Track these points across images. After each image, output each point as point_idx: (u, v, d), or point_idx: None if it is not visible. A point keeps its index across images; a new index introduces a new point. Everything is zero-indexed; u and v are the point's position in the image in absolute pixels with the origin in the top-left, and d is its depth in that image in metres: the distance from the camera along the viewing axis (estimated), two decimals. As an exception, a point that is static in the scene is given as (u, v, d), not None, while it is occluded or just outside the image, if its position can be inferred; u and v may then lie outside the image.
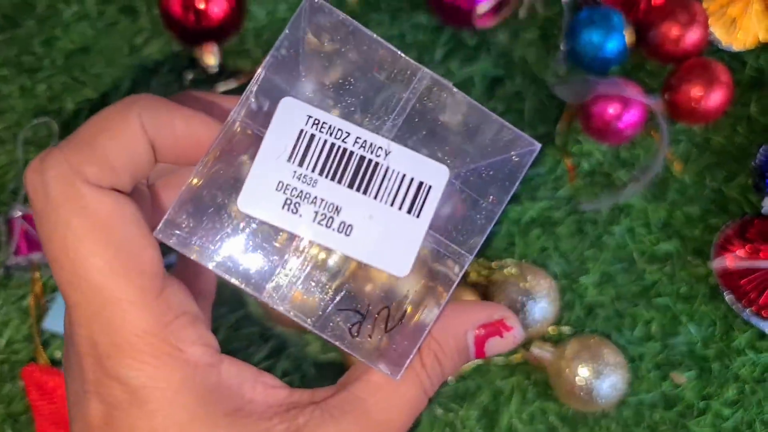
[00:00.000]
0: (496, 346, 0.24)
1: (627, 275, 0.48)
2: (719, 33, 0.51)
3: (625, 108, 0.47)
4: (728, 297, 0.46)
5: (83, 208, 0.20)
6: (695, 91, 0.48)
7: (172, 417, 0.20)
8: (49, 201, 0.21)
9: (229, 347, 0.44)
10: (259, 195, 0.25)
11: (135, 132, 0.22)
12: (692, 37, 0.49)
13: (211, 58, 0.51)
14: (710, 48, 0.52)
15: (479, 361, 0.46)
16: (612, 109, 0.47)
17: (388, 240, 0.25)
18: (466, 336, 0.23)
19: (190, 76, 0.51)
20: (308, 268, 0.25)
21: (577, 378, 0.42)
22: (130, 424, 0.20)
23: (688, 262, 0.48)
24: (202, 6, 0.49)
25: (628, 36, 0.49)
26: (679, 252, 0.48)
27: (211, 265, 0.24)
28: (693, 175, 0.50)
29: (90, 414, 0.20)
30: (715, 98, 0.48)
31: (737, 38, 0.51)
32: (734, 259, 0.46)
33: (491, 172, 0.26)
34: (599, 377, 0.42)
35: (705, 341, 0.47)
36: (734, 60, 0.52)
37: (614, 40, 0.49)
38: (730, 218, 0.49)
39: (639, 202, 0.49)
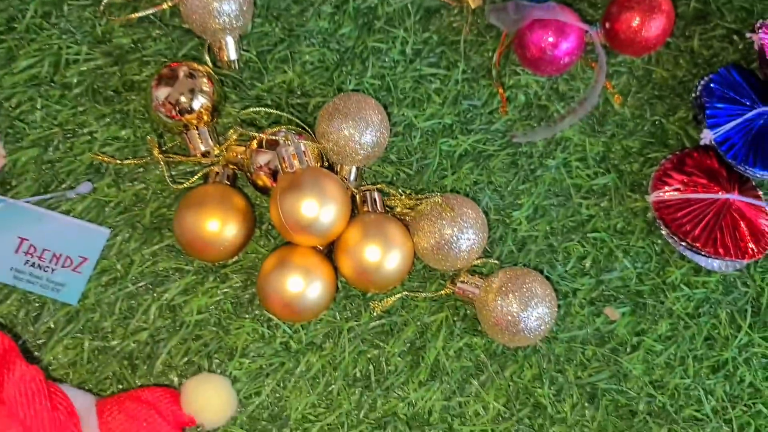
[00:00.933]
0: None
1: (562, 210, 0.46)
2: (663, -39, 0.49)
3: (561, 36, 0.45)
4: (665, 232, 0.44)
5: None
6: (635, 19, 0.46)
7: None
8: None
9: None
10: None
11: None
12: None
13: (127, -20, 0.48)
14: (655, -22, 0.50)
15: (403, 294, 0.44)
16: (548, 38, 0.45)
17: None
18: None
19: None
20: None
21: (503, 311, 0.41)
22: None
23: (626, 196, 0.47)
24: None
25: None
26: (617, 186, 0.47)
27: None
28: (633, 108, 0.48)
29: None
30: (655, 27, 0.46)
31: (681, -34, 0.49)
32: (671, 191, 0.45)
33: None
34: (526, 309, 0.41)
35: (640, 277, 0.45)
36: (679, -9, 0.50)
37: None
38: (670, 152, 0.47)
39: (576, 136, 0.47)
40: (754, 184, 0.46)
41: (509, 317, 0.41)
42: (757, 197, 0.45)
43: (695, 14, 0.50)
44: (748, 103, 0.46)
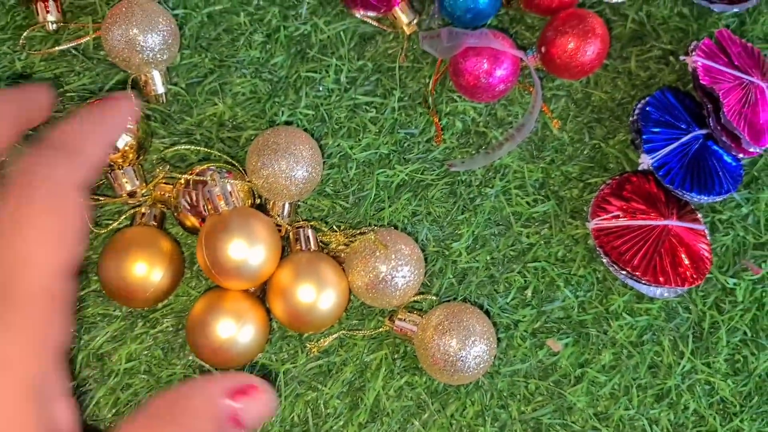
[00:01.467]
0: (250, 410, 0.24)
1: (502, 239, 0.45)
2: (597, -17, 0.48)
3: (496, 63, 0.45)
4: (605, 260, 0.44)
5: None
6: (570, 43, 0.45)
7: None
8: None
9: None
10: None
11: None
12: (567, -15, 0.46)
13: (47, 14, 0.46)
14: (591, 0, 0.49)
15: (340, 334, 0.43)
16: (482, 65, 0.44)
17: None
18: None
19: (25, 33, 0.46)
20: None
21: (441, 350, 0.40)
22: None
23: (567, 223, 0.46)
24: (33, -45, 0.44)
25: (501, -14, 0.46)
26: (557, 213, 0.46)
27: None
28: (572, 132, 0.48)
29: None
30: (590, 51, 0.45)
31: (615, -12, 0.49)
32: (609, 219, 0.44)
33: None
34: (464, 348, 0.40)
35: (583, 306, 0.45)
36: (615, 12, 0.50)
37: (487, -10, 0.46)
38: (610, 177, 0.47)
39: (515, 162, 0.47)
40: (693, 207, 0.46)
41: (447, 356, 0.40)
42: (696, 221, 0.45)
43: (632, 35, 0.50)
44: (684, 127, 0.46)
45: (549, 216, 0.46)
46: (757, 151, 0.45)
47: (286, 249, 0.42)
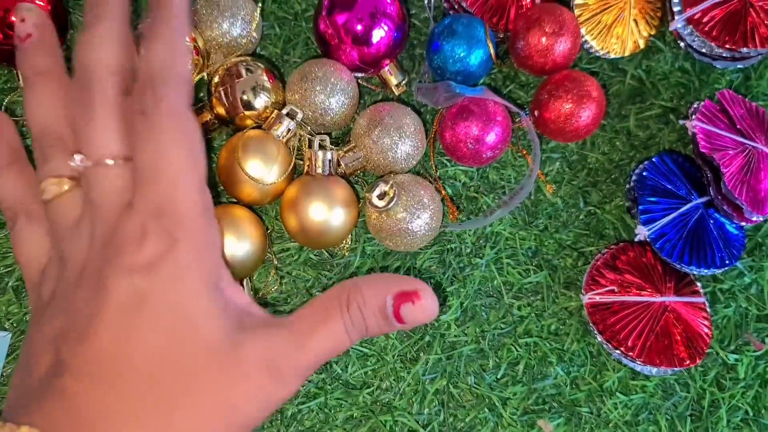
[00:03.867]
0: (411, 313, 0.27)
1: (492, 311, 0.44)
2: (594, 41, 0.47)
3: (485, 129, 0.43)
4: (599, 338, 0.42)
5: None
6: (564, 107, 0.43)
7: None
8: None
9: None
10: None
11: None
12: (562, 47, 0.44)
13: (28, 78, 0.45)
14: (588, 56, 0.48)
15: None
16: (471, 130, 0.43)
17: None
18: (385, 299, 0.27)
19: (6, 98, 0.45)
20: None
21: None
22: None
23: (560, 294, 0.44)
24: (13, 19, 0.43)
25: (492, 47, 0.44)
26: (550, 284, 0.44)
27: None
28: (567, 197, 0.46)
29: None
30: (585, 115, 0.44)
31: (612, 46, 0.47)
32: (604, 294, 0.42)
33: None
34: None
35: (575, 382, 0.43)
36: (614, 68, 0.48)
37: (478, 52, 0.44)
38: (605, 244, 0.45)
39: (507, 229, 0.45)
40: (692, 278, 0.44)
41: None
42: (696, 293, 0.43)
43: (631, 92, 0.48)
44: (683, 193, 0.44)
45: (542, 287, 0.44)
46: (760, 219, 0.43)
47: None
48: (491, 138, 0.43)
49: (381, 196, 0.40)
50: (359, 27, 0.43)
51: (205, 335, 0.24)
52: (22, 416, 0.23)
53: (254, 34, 0.44)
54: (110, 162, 0.26)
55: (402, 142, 0.42)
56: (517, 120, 0.45)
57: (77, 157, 0.27)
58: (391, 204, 0.40)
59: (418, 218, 0.41)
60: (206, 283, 0.25)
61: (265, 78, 0.43)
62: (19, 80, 0.44)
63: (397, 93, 0.46)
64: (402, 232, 0.41)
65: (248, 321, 0.26)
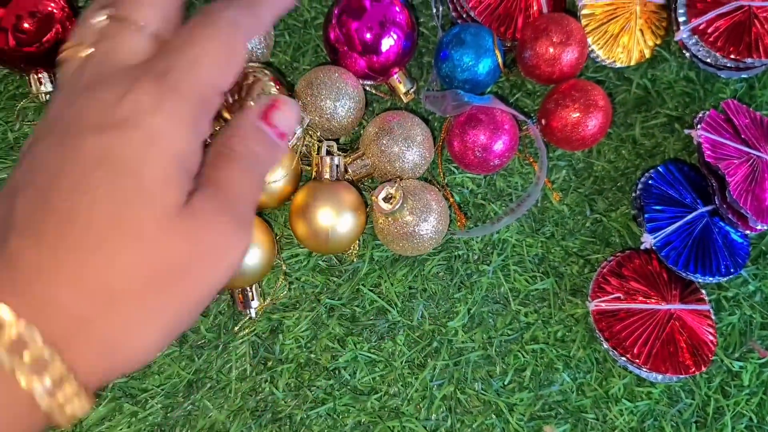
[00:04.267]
0: (280, 119, 0.28)
1: (499, 317, 0.44)
2: (600, 51, 0.47)
3: (493, 137, 0.43)
4: (605, 345, 0.42)
5: None
6: (571, 117, 0.44)
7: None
8: None
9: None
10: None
11: None
12: (569, 56, 0.45)
13: (40, 86, 0.45)
14: (594, 65, 0.48)
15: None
16: (479, 138, 0.43)
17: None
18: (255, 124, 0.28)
19: (19, 104, 0.46)
20: None
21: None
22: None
23: (567, 301, 0.45)
24: (26, 26, 0.44)
25: (500, 56, 0.45)
26: (556, 291, 0.45)
27: None
28: (573, 204, 0.46)
29: None
30: (592, 124, 0.44)
31: (618, 55, 0.47)
32: (610, 301, 0.43)
33: None
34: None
35: (581, 388, 0.43)
36: (620, 77, 0.48)
37: (486, 60, 0.45)
38: (611, 252, 0.45)
39: (514, 237, 0.45)
40: (697, 286, 0.44)
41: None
42: (701, 300, 0.44)
43: (636, 101, 0.48)
44: (688, 202, 0.44)
45: (548, 294, 0.45)
46: (764, 228, 0.44)
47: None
48: (499, 146, 0.43)
49: (387, 199, 0.41)
50: (368, 35, 0.43)
51: (159, 207, 0.23)
52: None
53: (269, 42, 0.45)
54: (141, 24, 0.26)
55: (410, 151, 0.43)
56: (525, 128, 0.46)
57: (104, 9, 0.26)
58: (397, 206, 0.40)
59: (425, 221, 0.41)
60: (175, 159, 0.23)
61: (272, 84, 0.43)
62: (31, 86, 0.45)
63: (405, 101, 0.47)
64: (409, 235, 0.41)
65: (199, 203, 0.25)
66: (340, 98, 0.43)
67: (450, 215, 0.44)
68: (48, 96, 0.45)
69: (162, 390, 0.42)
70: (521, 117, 0.45)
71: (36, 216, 0.22)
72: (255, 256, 0.41)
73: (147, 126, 0.23)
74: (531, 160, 0.47)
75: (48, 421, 0.21)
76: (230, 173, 0.26)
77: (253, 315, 0.43)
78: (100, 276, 0.22)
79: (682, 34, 0.47)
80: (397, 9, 0.44)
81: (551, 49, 0.44)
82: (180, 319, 0.24)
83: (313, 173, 0.43)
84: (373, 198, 0.41)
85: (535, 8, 0.47)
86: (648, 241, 0.43)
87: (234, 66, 0.26)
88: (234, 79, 0.26)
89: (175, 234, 0.23)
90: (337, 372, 0.43)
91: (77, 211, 0.22)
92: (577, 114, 0.44)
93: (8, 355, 0.20)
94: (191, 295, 0.24)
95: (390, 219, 0.41)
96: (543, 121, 0.45)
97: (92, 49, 0.26)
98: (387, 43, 0.44)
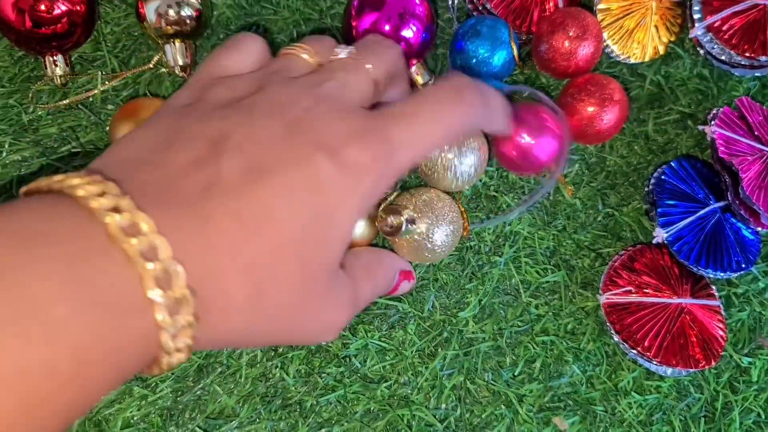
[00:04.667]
0: (404, 288, 0.38)
1: (510, 309, 0.44)
2: (615, 46, 0.47)
3: (540, 136, 0.43)
4: (616, 337, 0.42)
5: None
6: (588, 111, 0.44)
7: None
8: None
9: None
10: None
11: None
12: (585, 51, 0.45)
13: (55, 68, 0.45)
14: (608, 60, 0.48)
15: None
16: (525, 138, 0.43)
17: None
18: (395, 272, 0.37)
19: (34, 86, 0.46)
20: None
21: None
22: None
23: (577, 294, 0.45)
24: (43, 7, 0.44)
25: (516, 49, 0.45)
26: (567, 284, 0.45)
27: None
28: (585, 198, 0.46)
29: None
30: (608, 119, 0.44)
31: (633, 51, 0.47)
32: (621, 294, 0.43)
33: None
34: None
35: (591, 381, 0.44)
36: (633, 73, 0.49)
37: (501, 53, 0.45)
38: (622, 246, 0.46)
39: (526, 229, 0.46)
40: (708, 281, 0.44)
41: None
42: (711, 296, 0.44)
43: (649, 97, 0.48)
44: (701, 197, 0.45)
45: (559, 286, 0.45)
46: (776, 225, 0.44)
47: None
48: (546, 144, 0.43)
49: (390, 230, 0.41)
50: (387, 27, 0.43)
51: (333, 249, 0.26)
52: (141, 200, 0.21)
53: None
54: (371, 69, 0.29)
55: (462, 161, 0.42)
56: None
57: (347, 48, 0.30)
58: (404, 230, 0.40)
59: (437, 232, 0.41)
60: (357, 214, 0.26)
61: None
62: (46, 68, 0.45)
63: (420, 82, 0.47)
64: (421, 248, 0.41)
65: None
66: None
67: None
68: (62, 79, 0.45)
69: (172, 374, 0.42)
70: (555, 107, 0.45)
71: (243, 196, 0.23)
72: None
73: (359, 178, 0.25)
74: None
75: (152, 362, 0.22)
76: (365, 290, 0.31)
77: None
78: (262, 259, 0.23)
79: (697, 31, 0.47)
80: (417, 1, 0.44)
81: (567, 43, 0.45)
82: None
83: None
84: (378, 225, 0.41)
85: (551, 2, 0.47)
86: (660, 235, 0.43)
87: (436, 144, 0.28)
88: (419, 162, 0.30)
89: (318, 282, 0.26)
90: (347, 360, 0.43)
91: (277, 216, 0.23)
92: (594, 108, 0.44)
93: (154, 284, 0.21)
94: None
95: (398, 239, 0.41)
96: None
97: (320, 61, 0.30)
98: (406, 34, 0.44)
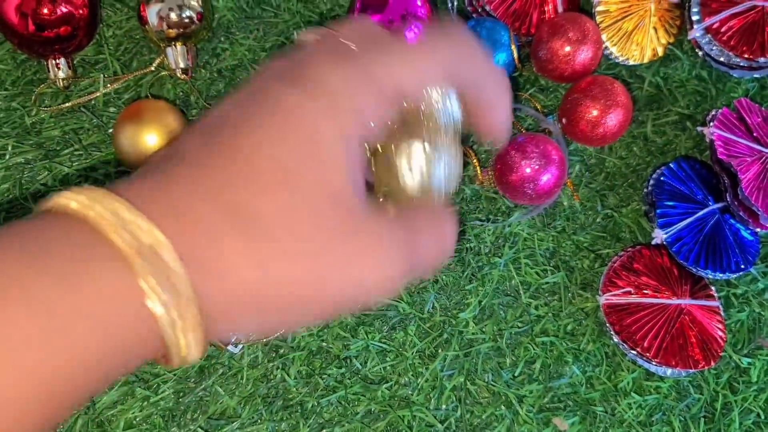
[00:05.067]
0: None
1: (510, 310, 0.45)
2: (614, 48, 0.48)
3: (543, 169, 0.43)
4: (615, 338, 0.43)
5: None
6: (593, 114, 0.44)
7: None
8: None
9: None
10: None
11: None
12: (583, 55, 0.45)
13: (58, 71, 0.46)
14: (608, 62, 0.48)
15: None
16: (528, 169, 0.43)
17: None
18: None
19: (37, 89, 0.46)
20: None
21: None
22: None
23: (577, 295, 0.45)
24: (45, 11, 0.44)
25: (516, 52, 0.45)
26: (567, 285, 0.45)
27: None
28: (585, 199, 0.47)
29: None
30: (614, 121, 0.44)
31: (632, 52, 0.48)
32: (621, 296, 0.43)
33: None
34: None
35: (591, 382, 0.44)
36: (632, 75, 0.49)
37: (501, 55, 0.45)
38: (622, 247, 0.46)
39: (525, 230, 0.46)
40: (707, 282, 0.45)
41: None
42: (710, 297, 0.44)
43: (648, 99, 0.49)
44: (700, 198, 0.45)
45: (559, 287, 0.45)
46: (775, 226, 0.44)
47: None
48: (548, 176, 0.43)
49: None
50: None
51: (332, 174, 0.22)
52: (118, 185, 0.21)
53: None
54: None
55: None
56: (545, 128, 0.46)
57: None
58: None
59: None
60: (340, 132, 0.22)
61: None
62: (48, 71, 0.45)
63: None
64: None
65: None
66: None
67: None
68: (65, 82, 0.46)
69: (174, 375, 0.43)
70: (541, 117, 0.45)
71: (201, 150, 0.22)
72: None
73: (338, 104, 0.22)
74: (543, 155, 0.47)
75: (161, 354, 0.21)
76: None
77: None
78: (248, 206, 0.21)
79: (696, 32, 0.47)
80: (419, 3, 0.44)
81: (567, 48, 0.45)
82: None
83: None
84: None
85: (550, 5, 0.47)
86: (659, 236, 0.43)
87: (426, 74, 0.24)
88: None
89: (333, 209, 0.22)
90: (348, 361, 0.43)
91: (251, 156, 0.21)
92: (598, 111, 0.44)
93: (142, 263, 0.20)
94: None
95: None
96: (564, 120, 0.45)
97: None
98: (408, 36, 0.44)
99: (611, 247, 0.46)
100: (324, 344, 0.43)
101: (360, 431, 0.42)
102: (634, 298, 0.43)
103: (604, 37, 0.47)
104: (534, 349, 0.44)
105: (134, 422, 0.42)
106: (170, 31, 0.45)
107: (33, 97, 0.46)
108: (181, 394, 0.42)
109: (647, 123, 0.48)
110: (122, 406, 0.42)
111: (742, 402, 0.44)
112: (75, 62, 0.46)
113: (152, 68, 0.47)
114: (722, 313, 0.44)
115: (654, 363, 0.42)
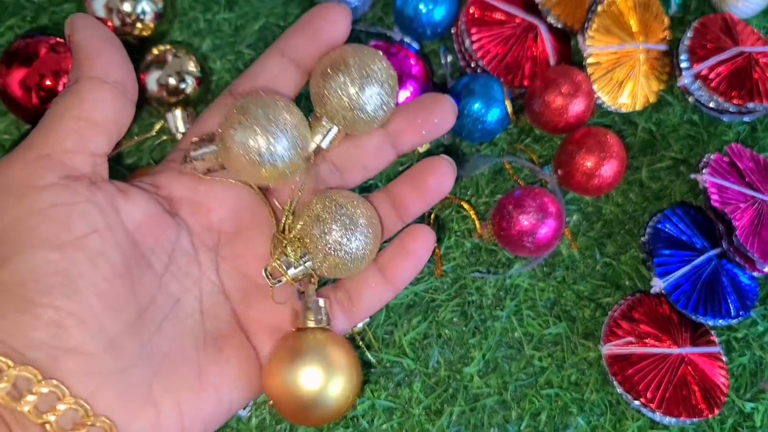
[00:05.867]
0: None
1: (514, 362, 0.45)
2: (606, 97, 0.48)
3: (541, 222, 0.43)
4: (619, 389, 0.43)
5: None
6: (588, 165, 0.45)
7: None
8: None
9: None
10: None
11: None
12: (576, 108, 0.46)
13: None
14: (600, 110, 0.49)
15: None
16: (526, 222, 0.43)
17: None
18: None
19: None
20: None
21: None
22: None
23: (579, 345, 0.46)
24: (48, 83, 0.45)
25: (510, 106, 0.46)
26: (569, 335, 0.46)
27: None
28: (583, 248, 0.47)
29: None
30: (608, 172, 0.45)
31: (624, 101, 0.49)
32: (622, 345, 0.44)
33: None
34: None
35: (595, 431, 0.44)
36: (625, 122, 0.50)
37: (495, 110, 0.46)
38: (622, 295, 0.46)
39: (526, 281, 0.46)
40: (707, 328, 0.45)
41: None
42: (711, 343, 0.45)
43: (642, 144, 0.49)
44: (697, 246, 0.45)
45: (561, 338, 0.46)
46: (772, 270, 0.44)
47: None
48: (546, 229, 0.44)
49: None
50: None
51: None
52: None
53: None
54: None
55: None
56: (541, 178, 0.47)
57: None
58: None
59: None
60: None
61: None
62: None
63: (420, 151, 0.48)
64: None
65: None
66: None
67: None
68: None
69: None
70: (537, 168, 0.46)
71: None
72: None
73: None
74: (541, 206, 0.47)
75: None
76: None
77: None
78: None
79: (685, 79, 0.48)
80: (412, 62, 0.45)
81: (559, 101, 0.46)
82: None
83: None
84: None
85: (541, 57, 0.48)
86: (658, 285, 0.44)
87: None
88: None
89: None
90: (355, 420, 0.44)
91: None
92: (593, 162, 0.45)
93: None
94: None
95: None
96: (559, 171, 0.46)
97: None
98: (403, 95, 0.45)
99: (611, 296, 0.46)
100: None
101: None
102: (635, 348, 0.43)
103: (595, 87, 0.48)
104: (539, 401, 0.44)
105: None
106: (170, 97, 0.46)
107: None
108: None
109: (642, 169, 0.49)
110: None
111: (747, 447, 0.44)
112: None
113: (153, 133, 0.47)
114: (724, 357, 0.44)
115: (658, 414, 0.42)
